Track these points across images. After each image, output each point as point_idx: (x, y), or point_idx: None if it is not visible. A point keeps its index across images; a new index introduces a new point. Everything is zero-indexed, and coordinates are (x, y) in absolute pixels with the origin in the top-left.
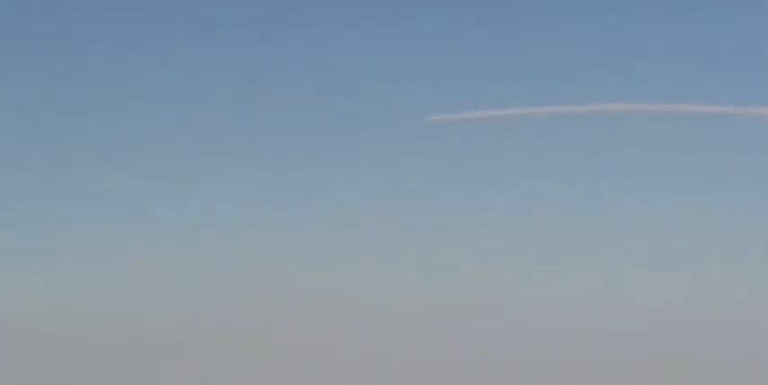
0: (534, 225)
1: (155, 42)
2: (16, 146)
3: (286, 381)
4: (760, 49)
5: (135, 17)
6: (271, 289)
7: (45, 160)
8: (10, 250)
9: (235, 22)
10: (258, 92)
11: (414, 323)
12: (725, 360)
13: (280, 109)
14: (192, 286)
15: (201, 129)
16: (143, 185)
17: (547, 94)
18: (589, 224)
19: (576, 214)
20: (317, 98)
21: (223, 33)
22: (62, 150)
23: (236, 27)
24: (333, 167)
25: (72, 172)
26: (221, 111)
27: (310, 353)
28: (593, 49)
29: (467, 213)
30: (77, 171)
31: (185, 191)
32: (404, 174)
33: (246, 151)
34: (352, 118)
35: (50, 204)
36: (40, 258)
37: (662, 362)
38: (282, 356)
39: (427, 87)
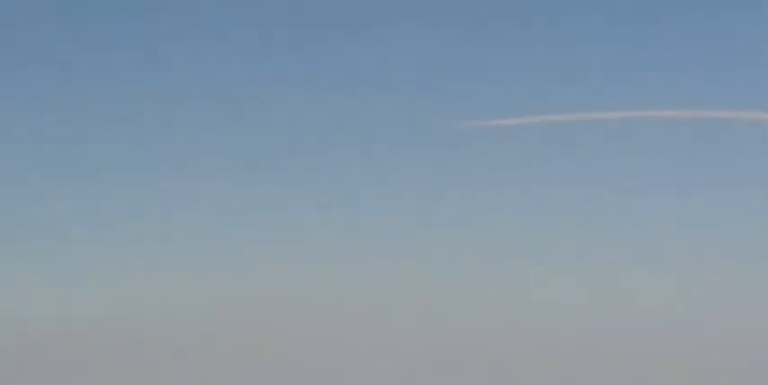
0: (555, 228)
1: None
2: (15, 147)
3: (286, 382)
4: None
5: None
6: (272, 289)
7: (43, 163)
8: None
9: (262, 30)
10: (279, 95)
11: (415, 323)
12: (725, 361)
13: (301, 113)
14: (193, 287)
15: (209, 130)
16: (144, 186)
17: (574, 101)
18: (605, 228)
19: (596, 219)
20: (342, 104)
21: (242, 38)
22: (63, 153)
23: (262, 34)
24: (359, 173)
25: (72, 174)
26: (238, 114)
27: (310, 353)
28: (618, 57)
29: (490, 218)
30: (77, 173)
31: (192, 190)
32: (430, 181)
33: (266, 154)
34: (378, 124)
35: (51, 206)
36: (40, 260)
37: (661, 363)
38: (282, 356)
39: (455, 94)
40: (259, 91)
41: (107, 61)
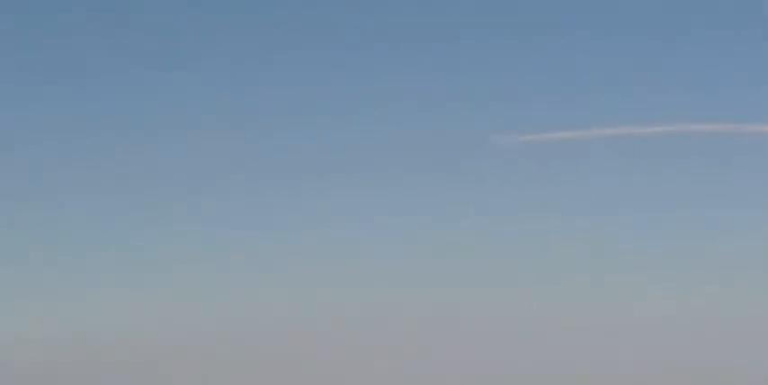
0: (599, 243)
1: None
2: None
3: (285, 382)
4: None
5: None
6: (274, 290)
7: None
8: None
9: (304, 41)
10: (320, 108)
11: (418, 326)
12: (725, 370)
13: (344, 126)
14: (193, 286)
15: (235, 143)
16: (150, 192)
17: (617, 115)
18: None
19: (639, 234)
20: (379, 119)
21: (287, 52)
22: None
23: (307, 46)
24: (397, 189)
25: (74, 184)
26: (276, 128)
27: (310, 353)
28: (661, 70)
29: (529, 232)
30: (79, 183)
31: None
32: (468, 195)
33: (305, 172)
34: (421, 139)
35: (53, 214)
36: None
37: (662, 373)
38: (283, 356)
39: (495, 108)
40: (321, 107)
41: (109, 60)
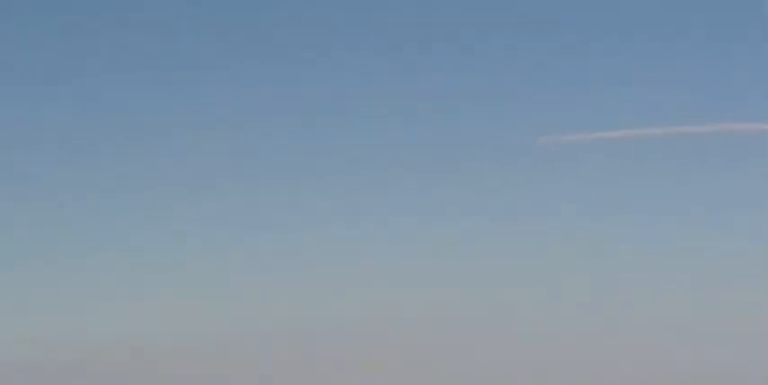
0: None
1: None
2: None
3: (285, 382)
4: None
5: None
6: (274, 290)
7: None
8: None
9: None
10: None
11: (418, 327)
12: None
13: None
14: (195, 289)
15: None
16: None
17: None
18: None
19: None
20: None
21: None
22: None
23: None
24: (440, 190)
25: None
26: (305, 129)
27: (310, 353)
28: (704, 69)
29: (572, 232)
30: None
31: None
32: (512, 196)
33: (345, 169)
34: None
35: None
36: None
37: (662, 373)
38: (283, 356)
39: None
40: (359, 104)
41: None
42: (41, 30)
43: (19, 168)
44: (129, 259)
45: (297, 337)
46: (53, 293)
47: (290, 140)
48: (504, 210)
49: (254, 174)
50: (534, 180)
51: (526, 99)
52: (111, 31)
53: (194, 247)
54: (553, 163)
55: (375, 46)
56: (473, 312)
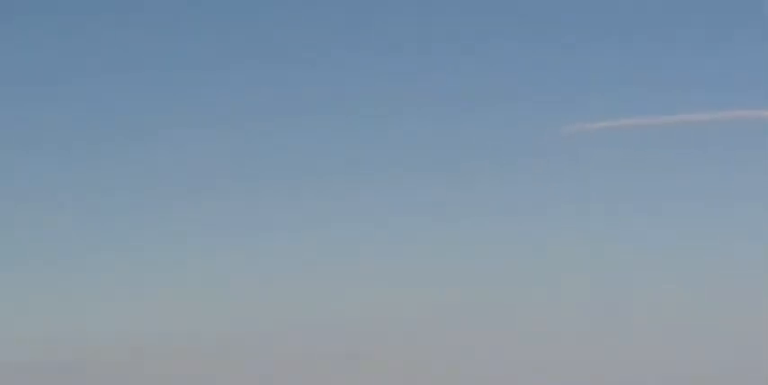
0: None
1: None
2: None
3: (285, 382)
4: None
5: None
6: (274, 290)
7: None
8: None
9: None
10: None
11: (419, 328)
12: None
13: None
14: (194, 290)
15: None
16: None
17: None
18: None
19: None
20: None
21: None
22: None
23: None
24: (461, 181)
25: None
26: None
27: (311, 353)
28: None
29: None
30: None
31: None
32: (534, 186)
33: (361, 162)
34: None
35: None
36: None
37: (662, 373)
38: (283, 356)
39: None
40: (372, 99)
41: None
42: (41, 30)
43: (19, 168)
44: (129, 259)
45: (297, 337)
46: (53, 293)
47: (290, 140)
48: (504, 210)
49: (254, 174)
50: (534, 180)
51: (526, 99)
52: (111, 31)
53: (194, 247)
54: (553, 163)
55: (375, 46)
56: (473, 312)
